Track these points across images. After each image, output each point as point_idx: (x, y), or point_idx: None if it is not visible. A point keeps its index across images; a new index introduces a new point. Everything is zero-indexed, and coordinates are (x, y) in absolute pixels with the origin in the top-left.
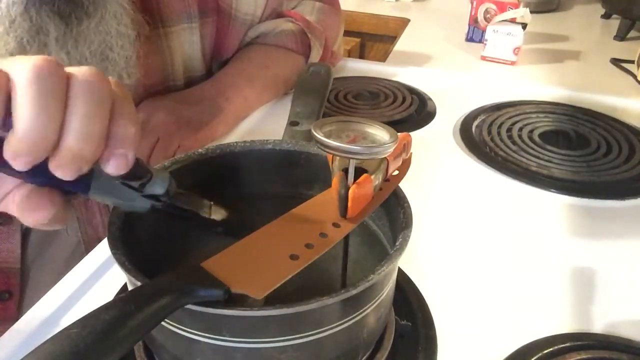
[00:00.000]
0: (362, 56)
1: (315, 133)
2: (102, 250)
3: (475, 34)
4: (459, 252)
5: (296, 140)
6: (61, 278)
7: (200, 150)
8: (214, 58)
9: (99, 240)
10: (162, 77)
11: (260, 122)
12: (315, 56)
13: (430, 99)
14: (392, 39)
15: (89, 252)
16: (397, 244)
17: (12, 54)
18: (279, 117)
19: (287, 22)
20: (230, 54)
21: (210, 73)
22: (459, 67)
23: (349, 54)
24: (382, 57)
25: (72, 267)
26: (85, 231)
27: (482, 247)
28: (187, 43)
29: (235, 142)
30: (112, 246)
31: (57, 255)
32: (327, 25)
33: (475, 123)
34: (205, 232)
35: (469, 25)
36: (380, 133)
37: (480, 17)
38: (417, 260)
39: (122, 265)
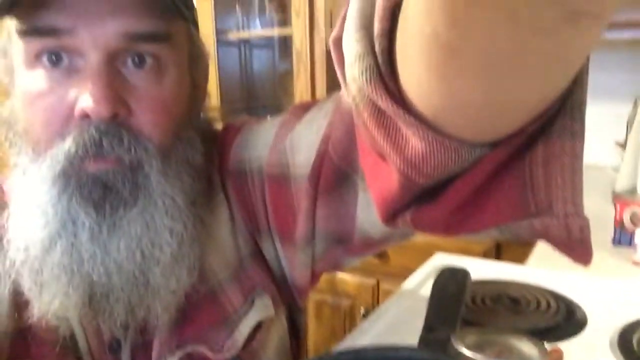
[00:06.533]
0: None
1: (456, 345)
2: None
3: (623, 237)
4: None
5: (433, 351)
6: None
7: (332, 353)
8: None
9: None
10: None
11: (392, 327)
12: None
13: (578, 306)
14: None
15: None
16: None
17: (45, 249)
18: (413, 320)
19: None
20: None
21: None
22: (608, 273)
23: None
24: None
25: None
26: None
27: None
28: None
29: (367, 345)
30: None
31: None
32: None
33: (637, 336)
34: None
35: (615, 227)
36: (527, 347)
37: (626, 219)
38: None
39: None
